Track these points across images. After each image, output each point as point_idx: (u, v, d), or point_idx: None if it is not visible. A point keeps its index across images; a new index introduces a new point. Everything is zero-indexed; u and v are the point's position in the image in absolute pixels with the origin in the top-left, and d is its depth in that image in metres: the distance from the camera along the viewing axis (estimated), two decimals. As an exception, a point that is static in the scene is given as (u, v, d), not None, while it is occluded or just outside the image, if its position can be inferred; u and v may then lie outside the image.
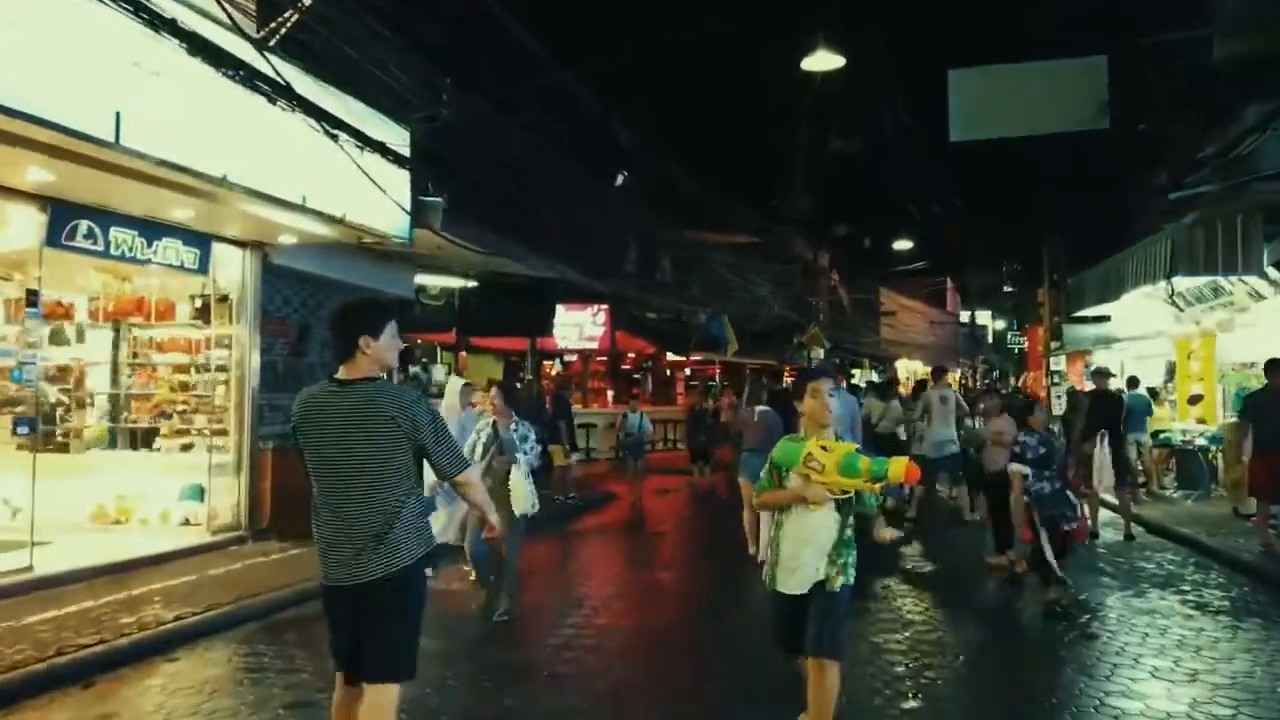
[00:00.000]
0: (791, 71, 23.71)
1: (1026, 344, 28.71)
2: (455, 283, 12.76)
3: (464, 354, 21.32)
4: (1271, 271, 10.11)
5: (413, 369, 22.90)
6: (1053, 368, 19.71)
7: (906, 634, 6.13)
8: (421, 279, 14.11)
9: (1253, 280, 10.79)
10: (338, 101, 6.93)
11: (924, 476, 10.94)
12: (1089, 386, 18.65)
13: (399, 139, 8.08)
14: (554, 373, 25.80)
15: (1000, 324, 45.77)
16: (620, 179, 14.80)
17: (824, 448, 3.59)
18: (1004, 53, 15.06)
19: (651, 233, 20.45)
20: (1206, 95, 11.27)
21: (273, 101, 5.72)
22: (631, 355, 28.01)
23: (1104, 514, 11.42)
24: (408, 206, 8.23)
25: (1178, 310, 13.82)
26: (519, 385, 17.33)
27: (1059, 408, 19.82)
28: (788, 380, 29.28)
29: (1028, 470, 6.52)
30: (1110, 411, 9.79)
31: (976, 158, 21.69)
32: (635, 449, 12.70)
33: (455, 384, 7.41)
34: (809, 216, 26.65)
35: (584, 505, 12.39)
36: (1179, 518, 10.72)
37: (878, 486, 3.56)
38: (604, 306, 16.28)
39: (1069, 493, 6.55)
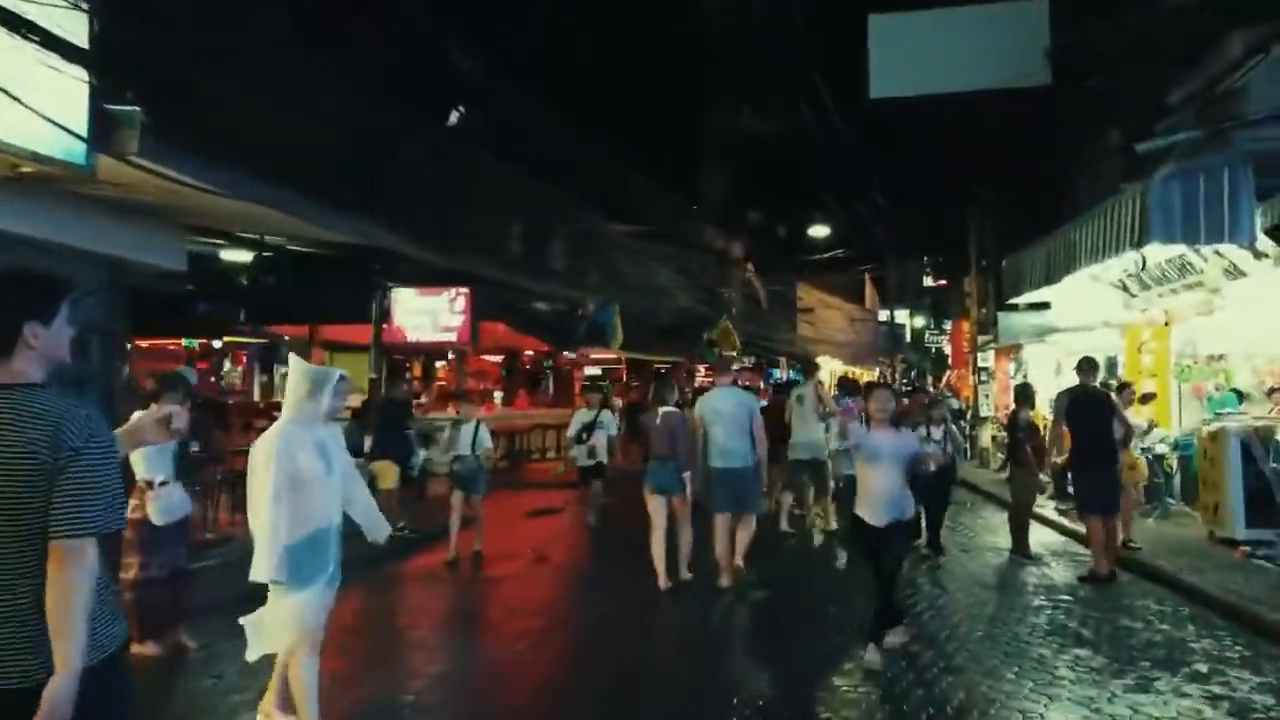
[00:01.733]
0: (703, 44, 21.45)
1: (949, 340, 27.10)
2: (244, 255, 9.93)
3: (318, 350, 18.38)
4: (1263, 242, 8.12)
5: (282, 370, 19.77)
6: (980, 364, 17.91)
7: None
8: (236, 255, 11.25)
9: (1231, 253, 8.84)
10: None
11: (788, 484, 9.82)
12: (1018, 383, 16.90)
13: (65, 15, 5.34)
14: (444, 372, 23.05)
15: (919, 321, 44.84)
16: (455, 116, 12.15)
17: None
18: (932, -3, 13.08)
19: (540, 210, 17.89)
20: (1171, 34, 9.30)
21: None
22: (530, 353, 25.41)
23: (1048, 537, 9.40)
24: (82, 120, 5.49)
25: (1129, 295, 11.93)
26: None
27: (987, 408, 18.04)
28: (703, 379, 27.28)
29: None
30: (1094, 414, 7.67)
31: (899, 128, 19.84)
32: (471, 479, 8.52)
33: (303, 369, 4.08)
34: (722, 202, 24.47)
35: (418, 538, 9.73)
36: (1148, 545, 8.71)
37: None
38: (463, 290, 13.61)
39: None
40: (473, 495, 8.61)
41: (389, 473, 9.79)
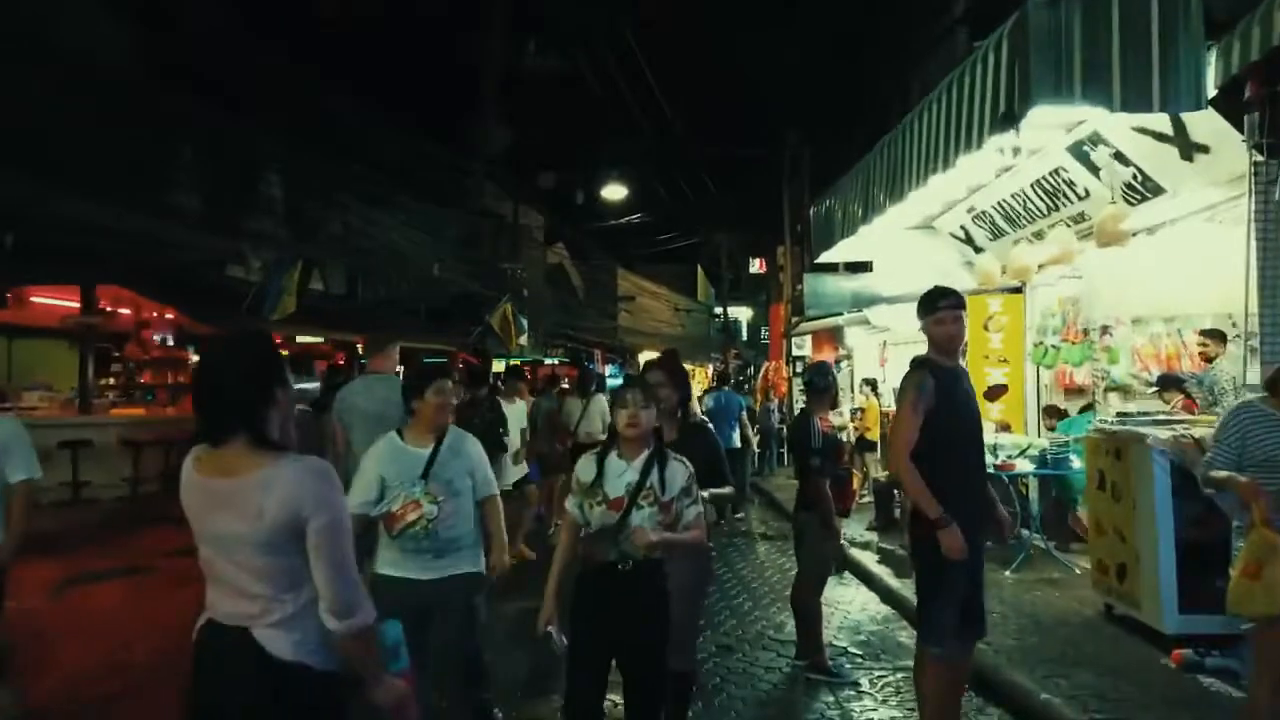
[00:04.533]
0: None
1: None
2: None
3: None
4: (1200, 128, 4.71)
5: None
6: (796, 351, 14.55)
7: None
8: None
9: (1139, 150, 5.45)
10: None
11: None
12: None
13: None
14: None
15: (753, 314, 42.78)
16: None
17: None
18: None
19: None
20: None
21: None
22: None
23: (861, 608, 5.68)
24: None
25: (973, 249, 8.63)
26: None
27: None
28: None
29: None
30: (968, 414, 3.87)
31: (700, 62, 16.39)
32: None
33: None
34: (505, 158, 20.22)
35: None
36: (1017, 623, 5.21)
37: None
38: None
39: None
40: None
41: None
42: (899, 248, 9.12)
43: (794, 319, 13.94)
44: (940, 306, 3.56)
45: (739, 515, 10.69)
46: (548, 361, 28.57)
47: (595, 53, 16.54)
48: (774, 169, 14.73)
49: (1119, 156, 5.59)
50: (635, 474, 2.96)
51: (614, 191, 19.23)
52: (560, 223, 23.22)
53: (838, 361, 13.98)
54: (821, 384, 5.00)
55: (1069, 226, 6.55)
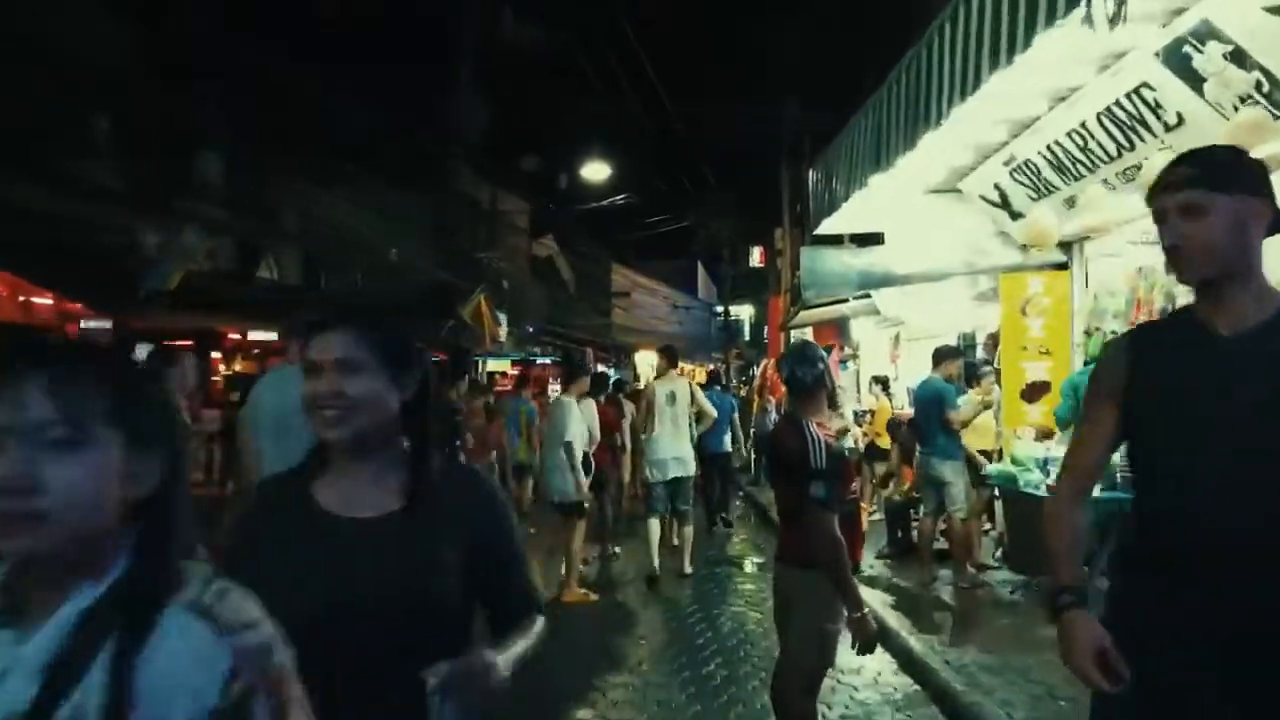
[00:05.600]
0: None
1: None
2: None
3: None
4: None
5: None
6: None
7: None
8: None
9: (1268, 41, 3.84)
10: None
11: (649, 509, 7.49)
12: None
13: None
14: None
15: (753, 310, 41.50)
16: None
17: None
18: None
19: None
20: None
21: None
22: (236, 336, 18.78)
23: (872, 686, 4.05)
24: None
25: (1009, 214, 6.98)
26: None
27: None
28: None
29: None
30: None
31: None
32: None
33: None
34: (481, 140, 18.68)
35: None
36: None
37: None
38: None
39: None
40: None
41: None
42: (915, 216, 7.50)
43: (792, 309, 12.34)
44: (1156, 191, 1.77)
45: (727, 529, 9.29)
46: (539, 361, 27.02)
47: (585, 30, 15.00)
48: (773, 148, 13.15)
49: (1236, 56, 3.97)
50: (28, 679, 0.84)
51: (599, 171, 17.64)
52: (547, 209, 21.66)
53: (843, 361, 12.37)
54: (808, 377, 3.14)
55: (1160, 156, 4.89)
